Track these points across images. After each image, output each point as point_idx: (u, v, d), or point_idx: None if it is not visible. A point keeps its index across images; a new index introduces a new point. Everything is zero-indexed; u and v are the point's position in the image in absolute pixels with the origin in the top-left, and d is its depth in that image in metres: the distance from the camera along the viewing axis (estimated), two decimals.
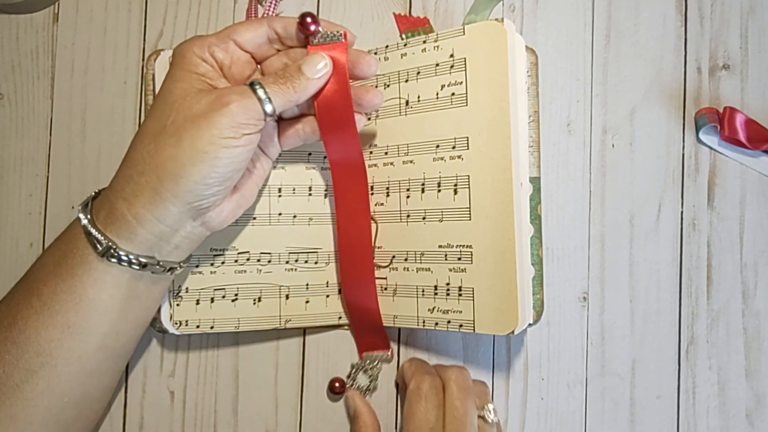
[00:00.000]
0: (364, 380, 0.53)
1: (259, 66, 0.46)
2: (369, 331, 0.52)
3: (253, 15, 0.51)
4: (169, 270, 0.44)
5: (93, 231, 0.41)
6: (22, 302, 0.42)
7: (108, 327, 0.43)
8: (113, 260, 0.41)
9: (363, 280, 0.50)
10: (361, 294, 0.51)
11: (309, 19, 0.43)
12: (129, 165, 0.42)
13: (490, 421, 0.47)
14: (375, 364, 0.53)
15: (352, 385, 0.53)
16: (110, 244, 0.41)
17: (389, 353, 0.53)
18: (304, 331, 0.53)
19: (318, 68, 0.43)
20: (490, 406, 0.48)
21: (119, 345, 0.44)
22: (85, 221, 0.42)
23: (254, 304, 0.49)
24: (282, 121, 0.47)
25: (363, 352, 0.53)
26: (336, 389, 0.52)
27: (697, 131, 0.53)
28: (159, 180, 0.40)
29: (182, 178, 0.40)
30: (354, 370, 0.53)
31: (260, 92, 0.41)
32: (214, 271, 0.49)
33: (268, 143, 0.47)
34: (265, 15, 0.49)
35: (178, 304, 0.48)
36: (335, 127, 0.46)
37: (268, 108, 0.41)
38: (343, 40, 0.44)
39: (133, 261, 0.41)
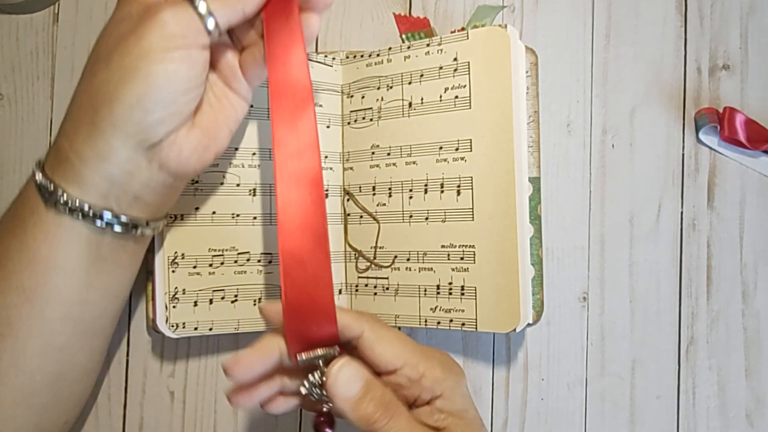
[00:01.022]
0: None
1: None
2: (310, 321, 0.37)
3: None
4: (134, 228, 0.39)
5: (39, 175, 0.37)
6: None
7: (71, 293, 0.38)
8: (62, 209, 0.36)
9: (313, 256, 0.37)
10: (311, 267, 0.37)
11: None
12: (71, 102, 0.38)
13: None
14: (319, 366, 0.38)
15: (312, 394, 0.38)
16: (56, 189, 0.36)
17: (337, 349, 0.38)
18: None
19: None
20: None
21: (89, 317, 0.40)
22: (34, 167, 0.38)
23: (255, 305, 0.49)
24: (243, 51, 0.41)
25: (296, 353, 0.37)
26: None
27: (697, 131, 0.53)
28: (94, 109, 0.35)
29: (115, 101, 0.35)
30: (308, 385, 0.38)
31: (200, 6, 0.36)
32: (213, 272, 0.49)
33: (230, 77, 0.41)
34: None
35: (174, 307, 0.48)
36: (278, 31, 0.38)
37: (209, 23, 0.36)
38: None
39: (86, 211, 0.36)
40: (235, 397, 0.38)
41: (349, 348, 0.38)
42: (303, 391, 0.37)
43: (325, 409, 0.38)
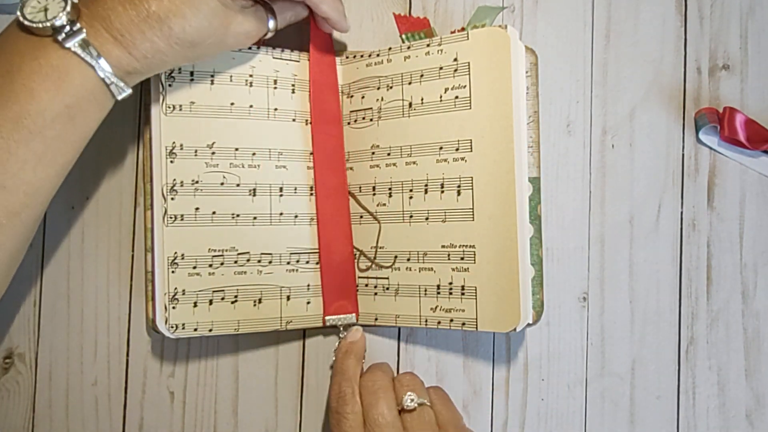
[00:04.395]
0: None
1: None
2: (338, 289, 0.51)
3: None
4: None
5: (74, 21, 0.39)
6: None
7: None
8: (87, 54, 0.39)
9: (339, 224, 0.51)
10: (337, 241, 0.51)
11: None
12: None
13: (411, 407, 0.45)
14: (339, 330, 0.51)
15: None
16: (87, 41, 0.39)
17: (353, 316, 0.51)
18: (304, 332, 0.53)
19: None
20: (410, 395, 0.45)
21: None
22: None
23: (255, 305, 0.49)
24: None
25: (326, 315, 0.51)
26: None
27: (697, 131, 0.53)
28: (159, 17, 0.40)
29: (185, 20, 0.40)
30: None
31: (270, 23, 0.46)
32: (213, 273, 0.49)
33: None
34: None
35: (174, 307, 0.48)
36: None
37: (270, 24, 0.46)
38: None
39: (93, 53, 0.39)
40: None
41: None
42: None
43: None
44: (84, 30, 0.39)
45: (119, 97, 0.42)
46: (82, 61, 0.39)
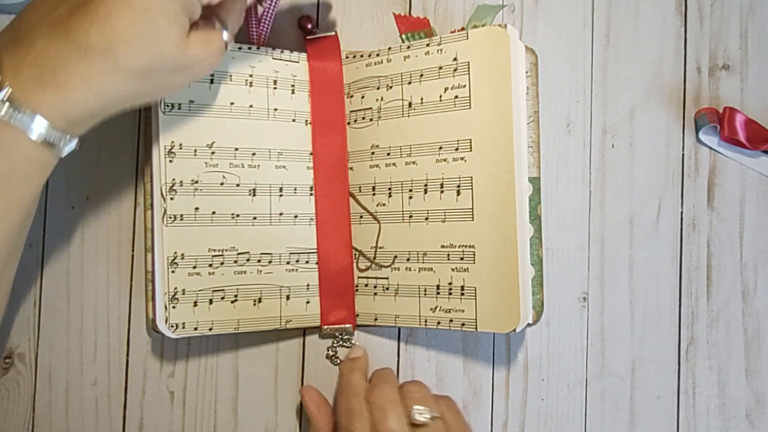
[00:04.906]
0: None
1: None
2: (336, 297, 0.51)
3: (252, 14, 0.51)
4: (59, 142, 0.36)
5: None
6: None
7: None
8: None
9: (339, 228, 0.51)
10: (337, 248, 0.51)
11: None
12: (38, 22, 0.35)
13: (422, 421, 0.44)
14: (336, 337, 0.52)
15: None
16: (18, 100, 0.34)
17: (350, 327, 0.52)
18: (304, 332, 0.53)
19: None
20: (419, 408, 0.44)
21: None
22: None
23: (254, 305, 0.49)
24: None
25: (324, 325, 0.52)
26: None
27: (697, 131, 0.53)
28: (101, 50, 0.35)
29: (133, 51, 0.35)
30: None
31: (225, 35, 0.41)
32: (213, 272, 0.49)
33: None
34: (266, 12, 0.49)
35: (174, 307, 0.47)
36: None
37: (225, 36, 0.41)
38: None
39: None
40: None
41: None
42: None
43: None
44: (8, 88, 0.34)
45: (63, 154, 0.38)
46: (14, 128, 0.34)
